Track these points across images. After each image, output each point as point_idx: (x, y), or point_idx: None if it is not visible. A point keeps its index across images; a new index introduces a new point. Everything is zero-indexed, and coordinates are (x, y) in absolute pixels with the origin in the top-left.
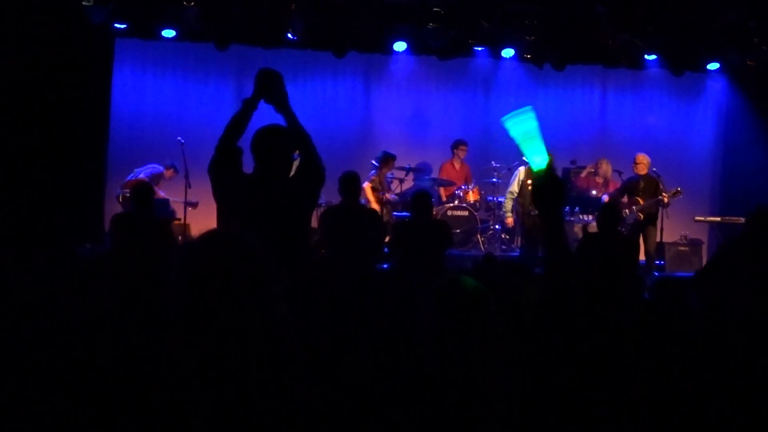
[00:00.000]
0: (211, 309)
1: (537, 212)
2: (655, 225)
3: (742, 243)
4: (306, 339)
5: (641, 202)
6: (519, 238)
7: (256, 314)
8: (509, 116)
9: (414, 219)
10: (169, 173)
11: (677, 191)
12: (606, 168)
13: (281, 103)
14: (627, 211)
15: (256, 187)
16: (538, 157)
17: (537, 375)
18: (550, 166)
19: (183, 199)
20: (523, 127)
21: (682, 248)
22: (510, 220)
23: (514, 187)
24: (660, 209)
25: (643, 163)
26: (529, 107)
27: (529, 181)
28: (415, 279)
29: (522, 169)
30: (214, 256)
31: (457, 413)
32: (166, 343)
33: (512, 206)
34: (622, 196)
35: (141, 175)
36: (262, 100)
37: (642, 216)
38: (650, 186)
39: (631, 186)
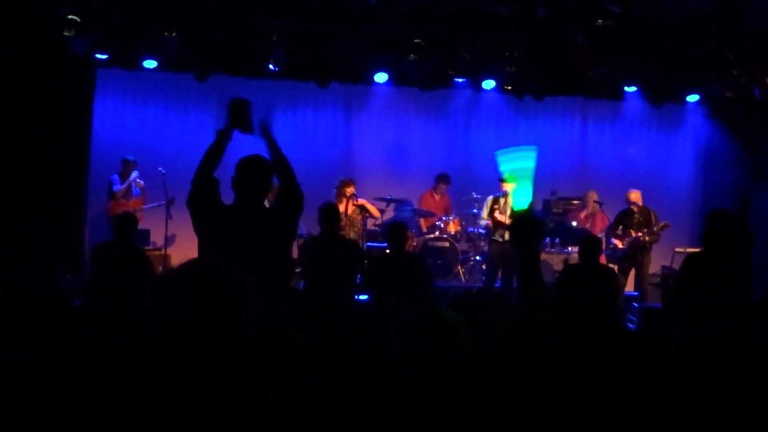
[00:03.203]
0: (189, 338)
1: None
2: (647, 257)
3: (702, 253)
4: (285, 368)
5: (633, 234)
6: (500, 270)
7: (235, 343)
8: (504, 151)
9: (390, 251)
10: (130, 167)
11: (664, 225)
12: (593, 199)
13: (262, 132)
14: (621, 243)
15: (236, 218)
16: (522, 197)
17: (512, 403)
18: (530, 209)
19: (163, 201)
20: (520, 165)
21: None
22: None
23: (485, 214)
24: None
25: (638, 197)
26: (533, 147)
27: (496, 206)
28: (392, 310)
29: (490, 198)
30: (192, 285)
31: None
32: (144, 372)
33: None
34: (617, 228)
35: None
36: (236, 130)
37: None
38: (644, 218)
39: (626, 218)
